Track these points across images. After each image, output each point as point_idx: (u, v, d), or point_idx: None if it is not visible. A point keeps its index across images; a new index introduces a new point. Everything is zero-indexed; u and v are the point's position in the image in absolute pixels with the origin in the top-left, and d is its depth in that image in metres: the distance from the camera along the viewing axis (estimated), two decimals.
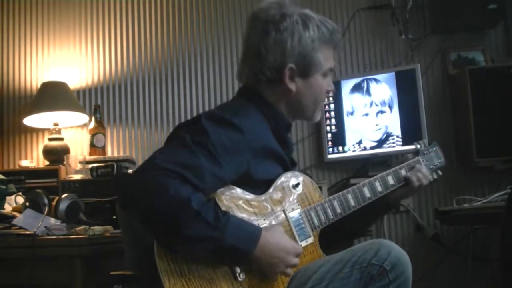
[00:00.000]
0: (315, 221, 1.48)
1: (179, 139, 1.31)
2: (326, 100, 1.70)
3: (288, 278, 1.38)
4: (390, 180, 1.64)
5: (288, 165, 1.52)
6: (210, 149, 1.28)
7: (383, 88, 2.93)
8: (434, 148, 1.80)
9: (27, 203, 2.09)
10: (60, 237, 1.92)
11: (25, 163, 2.93)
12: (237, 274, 1.30)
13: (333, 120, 2.99)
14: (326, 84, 1.56)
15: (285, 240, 1.34)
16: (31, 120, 2.99)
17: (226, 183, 1.35)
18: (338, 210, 1.52)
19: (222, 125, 1.34)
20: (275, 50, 1.47)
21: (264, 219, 1.39)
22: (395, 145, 2.88)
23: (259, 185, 1.42)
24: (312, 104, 1.55)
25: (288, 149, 1.56)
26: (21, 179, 2.58)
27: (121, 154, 3.09)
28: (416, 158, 1.73)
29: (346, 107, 2.98)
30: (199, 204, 1.21)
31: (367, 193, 1.58)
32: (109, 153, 3.06)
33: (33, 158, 3.11)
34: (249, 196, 1.39)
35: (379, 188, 1.61)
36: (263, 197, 1.42)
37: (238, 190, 1.38)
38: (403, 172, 1.66)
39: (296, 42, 1.47)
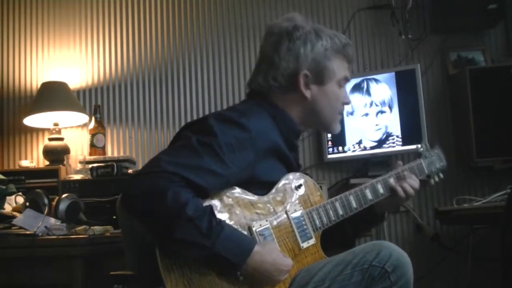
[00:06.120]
0: (317, 222, 1.48)
1: (185, 140, 1.32)
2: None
3: (289, 279, 1.38)
4: (392, 182, 1.62)
5: (294, 167, 1.53)
6: (216, 149, 1.29)
7: (383, 88, 2.93)
8: (436, 151, 1.80)
9: (27, 203, 2.09)
10: (60, 237, 1.92)
11: (25, 163, 2.93)
12: (238, 275, 1.30)
13: None
14: (342, 94, 1.58)
15: (280, 258, 1.33)
16: (31, 120, 2.99)
17: (232, 183, 1.35)
18: (340, 212, 1.52)
19: (229, 125, 1.35)
20: (288, 57, 1.49)
21: (266, 220, 1.39)
22: (395, 145, 2.88)
23: (262, 186, 1.42)
24: (329, 113, 1.56)
25: (295, 154, 1.56)
26: (21, 179, 2.58)
27: (121, 154, 3.09)
28: (418, 160, 1.72)
29: (346, 107, 2.97)
30: (194, 211, 1.21)
31: (369, 195, 1.58)
32: (109, 153, 3.06)
33: (33, 158, 3.11)
34: (251, 196, 1.39)
35: (381, 190, 1.60)
36: (265, 198, 1.42)
37: (240, 191, 1.38)
38: (406, 174, 1.64)
39: (309, 50, 1.49)
